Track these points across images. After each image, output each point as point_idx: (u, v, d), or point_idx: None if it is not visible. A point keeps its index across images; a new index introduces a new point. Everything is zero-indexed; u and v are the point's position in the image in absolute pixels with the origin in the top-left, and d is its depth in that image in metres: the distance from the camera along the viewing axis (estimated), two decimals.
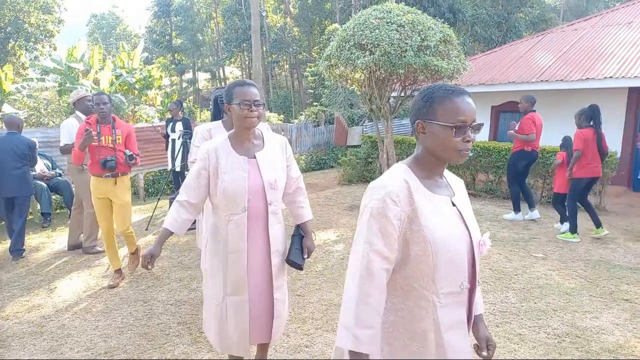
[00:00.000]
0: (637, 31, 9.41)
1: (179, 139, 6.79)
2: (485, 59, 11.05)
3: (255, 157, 2.18)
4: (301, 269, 2.33)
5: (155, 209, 6.50)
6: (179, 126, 6.91)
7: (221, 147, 2.16)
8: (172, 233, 2.13)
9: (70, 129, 4.63)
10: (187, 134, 6.70)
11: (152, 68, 15.64)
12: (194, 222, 3.66)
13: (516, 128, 6.05)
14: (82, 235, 5.11)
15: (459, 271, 1.33)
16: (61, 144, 4.70)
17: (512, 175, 6.24)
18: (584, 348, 2.88)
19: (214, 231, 2.23)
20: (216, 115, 3.05)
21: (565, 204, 5.50)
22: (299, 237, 2.39)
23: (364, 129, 14.10)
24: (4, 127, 5.18)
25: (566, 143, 5.71)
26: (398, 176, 1.35)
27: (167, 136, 7.08)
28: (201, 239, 3.43)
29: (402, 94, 6.91)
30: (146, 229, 5.93)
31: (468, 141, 1.30)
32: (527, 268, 4.33)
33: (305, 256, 2.37)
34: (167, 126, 7.10)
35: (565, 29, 11.31)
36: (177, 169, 6.85)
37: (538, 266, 4.39)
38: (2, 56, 23.34)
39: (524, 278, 4.07)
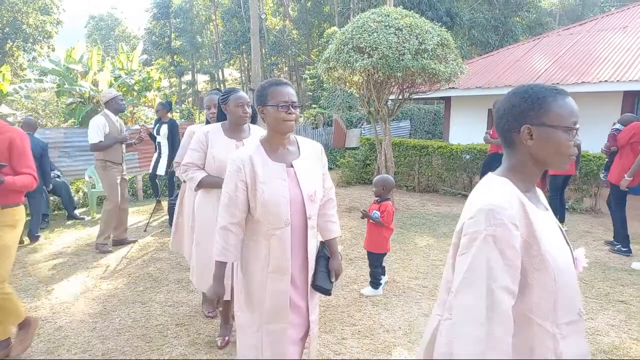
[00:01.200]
0: (631, 36, 9.49)
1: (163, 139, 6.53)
2: (482, 62, 11.12)
3: (292, 166, 1.97)
4: (329, 294, 2.05)
5: (153, 210, 6.51)
6: (164, 129, 6.57)
7: (255, 154, 1.94)
8: (226, 264, 1.96)
9: (98, 128, 4.85)
10: (170, 137, 6.44)
11: (151, 70, 15.64)
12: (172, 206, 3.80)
13: (491, 133, 6.46)
14: (123, 231, 5.31)
15: (576, 296, 1.19)
16: (91, 141, 4.86)
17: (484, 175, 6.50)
18: None
19: (251, 248, 1.99)
20: (219, 117, 3.02)
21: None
22: (325, 258, 2.09)
23: (362, 132, 14.13)
24: (23, 127, 5.69)
25: None
26: (511, 194, 1.17)
27: (153, 137, 6.74)
28: (183, 243, 3.39)
29: (400, 97, 6.95)
30: (144, 231, 5.93)
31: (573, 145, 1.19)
32: None
33: (333, 280, 2.09)
34: (154, 127, 6.79)
35: (561, 33, 11.39)
36: (163, 172, 6.63)
37: None
38: (0, 57, 23.31)
39: None
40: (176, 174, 3.15)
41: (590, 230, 5.59)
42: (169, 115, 6.86)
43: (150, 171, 6.89)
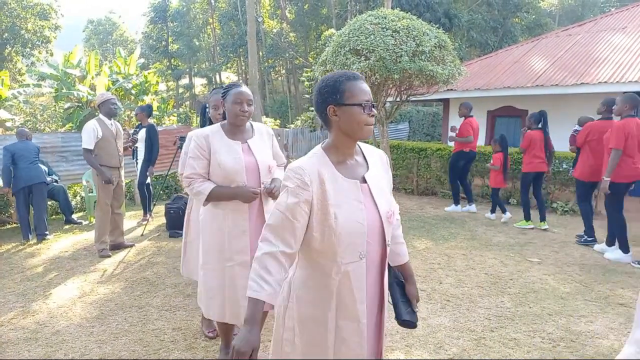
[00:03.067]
0: (631, 36, 9.50)
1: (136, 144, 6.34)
2: (481, 63, 11.12)
3: (366, 181, 1.56)
4: (415, 326, 1.72)
5: (150, 214, 6.49)
6: (142, 133, 6.35)
7: (323, 167, 1.51)
8: (263, 303, 1.45)
9: (89, 133, 4.83)
10: (148, 142, 6.28)
11: (149, 73, 15.64)
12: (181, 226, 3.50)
13: (456, 132, 6.90)
14: (119, 235, 5.31)
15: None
16: (84, 146, 4.85)
17: (453, 173, 7.08)
18: (578, 352, 2.89)
19: (310, 290, 1.54)
20: (225, 116, 2.77)
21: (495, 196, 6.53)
22: (399, 285, 1.75)
23: None
24: (17, 137, 6.01)
25: (504, 142, 6.44)
26: None
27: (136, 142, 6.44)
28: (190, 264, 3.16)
29: (398, 99, 6.95)
30: (141, 235, 5.91)
31: None
32: (522, 272, 4.34)
33: (416, 309, 1.74)
34: (135, 133, 6.50)
35: (560, 34, 11.40)
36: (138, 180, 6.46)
37: (533, 271, 4.40)
38: None
39: (519, 282, 4.08)
40: (184, 188, 2.81)
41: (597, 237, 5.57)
42: (150, 119, 6.66)
43: (138, 180, 6.69)
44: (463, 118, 6.90)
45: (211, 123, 2.89)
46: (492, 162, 6.50)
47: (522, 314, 3.43)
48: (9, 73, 14.93)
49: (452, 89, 8.97)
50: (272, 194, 2.46)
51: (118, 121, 6.40)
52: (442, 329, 3.20)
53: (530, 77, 9.06)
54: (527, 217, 6.04)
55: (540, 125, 5.91)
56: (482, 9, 23.17)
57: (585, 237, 5.31)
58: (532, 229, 5.98)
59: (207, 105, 3.73)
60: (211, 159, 2.43)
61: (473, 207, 7.01)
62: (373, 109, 1.53)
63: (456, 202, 7.12)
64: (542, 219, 5.95)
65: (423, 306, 3.60)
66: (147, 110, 6.66)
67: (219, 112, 2.89)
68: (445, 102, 10.92)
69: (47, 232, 5.77)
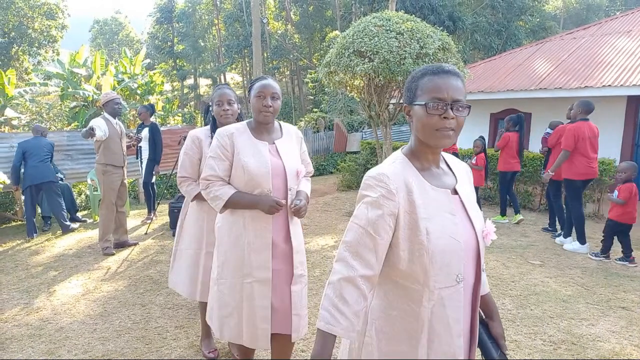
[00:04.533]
0: (635, 40, 9.48)
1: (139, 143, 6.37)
2: (485, 66, 11.12)
3: (457, 193, 1.36)
4: None
5: (155, 213, 6.52)
6: (145, 132, 6.41)
7: (410, 175, 1.29)
8: (335, 338, 1.22)
9: (100, 124, 4.86)
10: (152, 142, 6.31)
11: (154, 74, 15.76)
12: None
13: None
14: (123, 233, 5.35)
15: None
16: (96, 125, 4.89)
17: None
18: (579, 355, 2.89)
19: (395, 321, 1.30)
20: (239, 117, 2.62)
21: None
22: (482, 323, 1.47)
23: (364, 136, 14.15)
24: (32, 133, 6.17)
25: (485, 143, 6.77)
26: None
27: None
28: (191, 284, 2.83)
29: (401, 101, 6.96)
30: (145, 233, 5.95)
31: None
32: (524, 275, 4.35)
33: (506, 351, 1.46)
34: (137, 132, 6.59)
35: (564, 38, 11.39)
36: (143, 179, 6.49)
37: (535, 273, 4.40)
38: (5, 61, 23.50)
39: (521, 285, 4.09)
40: (182, 190, 2.76)
41: (591, 236, 5.56)
42: (152, 118, 6.68)
43: (143, 179, 6.70)
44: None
45: (214, 122, 2.75)
46: (475, 162, 6.71)
47: (524, 316, 3.44)
48: (16, 72, 15.05)
49: None
50: (298, 212, 2.19)
51: (123, 121, 6.43)
52: None
53: (534, 80, 9.05)
54: (503, 213, 6.56)
55: (517, 128, 6.32)
56: (487, 11, 23.14)
57: (554, 232, 5.80)
58: (507, 222, 6.47)
59: (210, 105, 3.75)
60: (234, 160, 2.17)
61: None
62: (449, 110, 1.23)
63: None
64: (517, 211, 6.45)
65: None
66: (150, 109, 6.68)
67: (224, 109, 2.67)
68: None
69: (69, 223, 6.02)
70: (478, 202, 6.65)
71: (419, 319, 1.25)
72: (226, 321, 2.25)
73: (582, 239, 5.10)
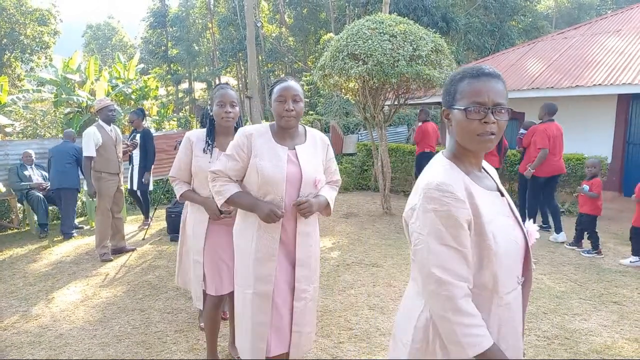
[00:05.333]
0: (625, 39, 9.59)
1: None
2: None
3: (504, 195, 1.37)
4: None
5: (152, 218, 6.54)
6: (137, 139, 6.29)
7: (464, 179, 1.26)
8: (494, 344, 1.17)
9: (89, 139, 4.85)
10: (143, 147, 6.19)
11: (148, 78, 15.77)
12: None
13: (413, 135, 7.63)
14: (120, 239, 5.35)
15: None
16: (85, 154, 4.88)
17: (418, 171, 7.39)
18: (572, 349, 2.95)
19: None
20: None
21: None
22: None
23: (360, 137, 14.20)
24: (63, 137, 6.52)
25: None
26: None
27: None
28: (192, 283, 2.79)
29: (396, 103, 7.02)
30: (143, 239, 5.97)
31: None
32: None
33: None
34: (130, 138, 6.47)
35: (555, 37, 11.50)
36: (135, 187, 6.45)
37: None
38: None
39: None
40: (176, 190, 2.73)
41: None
42: (144, 124, 6.63)
43: (128, 187, 6.63)
44: (421, 122, 7.68)
45: (212, 124, 2.63)
46: None
47: None
48: (8, 79, 15.00)
49: None
50: (301, 209, 2.04)
51: (118, 126, 6.45)
52: None
53: (527, 80, 9.15)
54: None
55: None
56: (479, 12, 23.29)
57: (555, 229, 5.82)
58: None
59: (208, 109, 3.73)
60: (250, 162, 2.07)
61: None
62: (490, 115, 1.20)
63: None
64: None
65: None
66: (141, 114, 6.63)
67: (226, 110, 2.54)
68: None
69: (73, 232, 6.14)
70: None
71: (488, 326, 1.19)
72: (237, 330, 2.24)
73: (558, 229, 5.60)
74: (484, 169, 1.38)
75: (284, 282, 2.11)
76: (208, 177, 2.17)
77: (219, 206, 2.19)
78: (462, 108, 1.22)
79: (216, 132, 2.65)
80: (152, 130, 11.75)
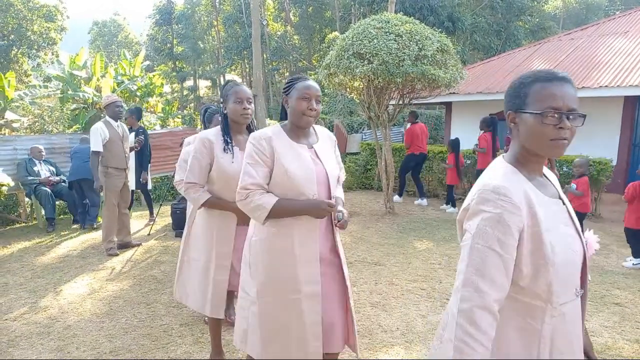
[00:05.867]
0: (632, 40, 9.57)
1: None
2: (484, 67, 11.22)
3: (565, 204, 1.33)
4: None
5: (157, 214, 6.60)
6: (131, 138, 6.01)
7: (525, 185, 1.23)
8: None
9: (97, 135, 4.89)
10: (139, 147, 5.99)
11: (154, 75, 15.82)
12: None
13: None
14: (126, 234, 5.41)
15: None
16: (93, 148, 4.91)
17: (403, 170, 7.98)
18: None
19: (518, 341, 1.21)
20: (283, 116, 2.19)
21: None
22: None
23: (363, 137, 14.23)
24: (80, 141, 6.86)
25: (454, 144, 7.23)
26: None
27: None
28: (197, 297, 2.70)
29: (400, 102, 7.05)
30: (148, 234, 6.04)
31: None
32: None
33: None
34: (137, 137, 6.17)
35: (562, 38, 11.48)
36: (133, 187, 6.28)
37: None
38: (5, 64, 23.59)
39: None
40: (188, 197, 2.57)
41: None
42: (139, 123, 6.53)
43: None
44: (409, 124, 7.91)
45: (226, 121, 2.52)
46: (447, 162, 7.32)
47: None
48: (15, 74, 15.10)
49: (454, 93, 9.07)
50: (343, 227, 2.03)
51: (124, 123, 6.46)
52: None
53: None
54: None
55: (490, 129, 6.84)
56: (486, 12, 23.24)
57: None
58: None
59: (209, 107, 3.61)
60: (275, 166, 1.97)
61: (425, 202, 7.86)
62: (565, 120, 1.17)
63: (400, 194, 8.10)
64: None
65: (423, 304, 3.70)
66: (137, 113, 6.46)
67: (244, 107, 2.46)
68: (448, 105, 11.02)
69: (95, 223, 6.39)
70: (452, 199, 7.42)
71: (540, 337, 1.17)
72: (271, 343, 2.03)
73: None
74: (545, 174, 1.34)
75: (328, 282, 2.06)
76: (238, 197, 2.00)
77: (261, 222, 1.99)
78: (537, 112, 1.18)
79: (231, 130, 2.53)
80: (157, 127, 11.85)
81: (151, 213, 6.79)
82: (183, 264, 2.85)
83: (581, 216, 5.18)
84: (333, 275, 2.08)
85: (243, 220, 2.41)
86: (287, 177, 1.94)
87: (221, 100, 2.53)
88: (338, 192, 2.20)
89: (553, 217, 1.21)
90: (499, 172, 1.25)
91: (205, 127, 3.56)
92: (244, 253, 2.16)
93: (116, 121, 5.10)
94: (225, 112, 2.51)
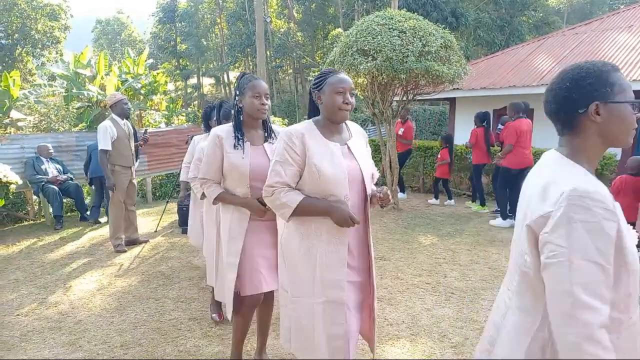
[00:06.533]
0: (637, 35, 9.54)
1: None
2: (487, 63, 11.20)
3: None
4: None
5: (164, 211, 6.66)
6: (147, 134, 5.96)
7: (606, 191, 1.14)
8: None
9: (105, 133, 4.91)
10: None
11: (157, 73, 15.87)
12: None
13: (400, 133, 7.81)
14: (133, 231, 5.44)
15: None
16: (101, 147, 4.92)
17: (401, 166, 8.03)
18: None
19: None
20: (312, 113, 2.12)
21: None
22: None
23: (368, 133, 14.23)
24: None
25: (448, 139, 7.50)
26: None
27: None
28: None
29: (404, 98, 7.07)
30: (155, 231, 6.10)
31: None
32: None
33: None
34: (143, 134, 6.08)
35: (566, 33, 11.45)
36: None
37: None
38: (9, 62, 23.72)
39: None
40: (198, 192, 2.54)
41: None
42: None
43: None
44: (404, 121, 7.98)
45: (239, 116, 2.40)
46: (439, 157, 7.49)
47: None
48: (20, 73, 15.20)
49: (458, 88, 9.07)
50: (388, 199, 1.99)
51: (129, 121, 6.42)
52: (446, 319, 3.34)
53: (536, 76, 9.13)
54: (483, 203, 7.11)
55: (484, 124, 6.90)
56: (489, 7, 23.16)
57: (498, 215, 6.34)
58: (487, 212, 6.92)
59: (214, 107, 3.50)
60: (306, 164, 1.90)
61: (405, 195, 8.12)
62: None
63: (402, 190, 8.10)
64: (482, 203, 7.09)
65: (428, 298, 3.74)
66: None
67: (262, 102, 2.36)
68: (452, 101, 11.01)
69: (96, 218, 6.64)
70: (436, 193, 7.73)
71: (616, 348, 1.09)
72: (304, 349, 2.00)
73: (504, 215, 6.12)
74: None
75: (355, 286, 2.01)
76: (265, 194, 1.97)
77: (285, 220, 1.96)
78: (630, 102, 1.15)
79: (244, 126, 2.41)
80: (162, 125, 11.91)
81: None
82: (220, 263, 2.70)
83: None
84: (361, 279, 2.02)
85: (258, 214, 2.35)
86: (318, 177, 1.88)
87: (236, 93, 2.41)
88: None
89: (622, 219, 1.13)
90: (575, 173, 1.15)
91: (208, 129, 3.61)
92: (278, 250, 2.11)
93: (123, 119, 5.14)
94: (240, 106, 2.39)
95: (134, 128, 5.40)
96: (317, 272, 1.92)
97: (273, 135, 2.49)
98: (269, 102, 2.40)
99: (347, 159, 1.97)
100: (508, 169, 5.97)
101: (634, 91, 1.25)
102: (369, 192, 2.00)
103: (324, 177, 1.87)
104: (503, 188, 6.12)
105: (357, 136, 2.10)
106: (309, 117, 2.08)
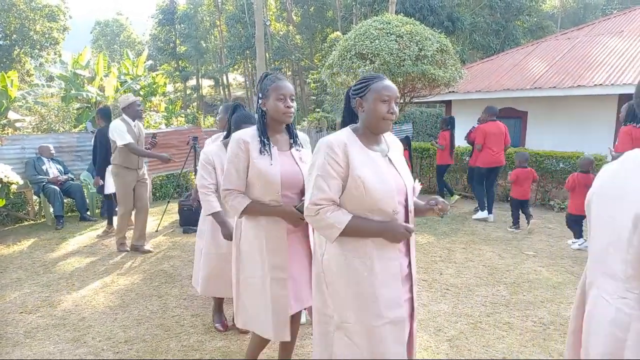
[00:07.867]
0: (627, 40, 9.71)
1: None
2: (483, 66, 11.35)
3: None
4: None
5: (165, 211, 6.74)
6: (155, 138, 5.79)
7: None
8: None
9: (121, 128, 4.93)
10: (94, 148, 5.86)
11: (157, 75, 15.97)
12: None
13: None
14: (137, 236, 5.33)
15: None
16: (120, 144, 4.90)
17: None
18: (566, 334, 3.11)
19: None
20: (347, 119, 1.98)
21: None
22: None
23: None
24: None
25: (451, 121, 7.54)
26: None
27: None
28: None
29: (402, 101, 7.19)
30: (156, 230, 6.18)
31: None
32: (518, 264, 4.59)
33: None
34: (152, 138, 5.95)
35: (559, 38, 11.62)
36: (112, 190, 5.58)
37: (529, 263, 4.64)
38: (7, 63, 23.72)
39: (514, 273, 4.33)
40: (227, 205, 2.27)
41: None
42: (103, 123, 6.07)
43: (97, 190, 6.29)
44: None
45: (263, 119, 2.22)
46: (438, 140, 7.62)
47: (516, 301, 3.67)
48: (18, 74, 15.23)
49: (454, 91, 9.20)
50: (445, 209, 1.87)
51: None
52: (442, 314, 3.45)
53: (530, 80, 9.28)
54: (451, 193, 7.75)
55: (449, 127, 7.36)
56: (485, 12, 23.36)
57: (478, 209, 6.71)
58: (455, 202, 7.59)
59: (240, 105, 2.91)
60: (349, 177, 1.74)
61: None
62: None
63: None
64: (451, 193, 7.74)
65: (424, 294, 3.84)
66: (104, 113, 5.99)
67: (287, 105, 2.17)
68: (448, 103, 11.15)
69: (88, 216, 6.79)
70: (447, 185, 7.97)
71: None
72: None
73: (482, 207, 6.58)
74: None
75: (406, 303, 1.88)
76: (307, 212, 1.79)
77: (331, 241, 1.78)
78: None
79: (268, 129, 2.23)
80: (162, 126, 11.99)
81: (109, 223, 6.18)
82: (239, 286, 2.37)
83: (522, 202, 5.97)
84: (408, 297, 1.89)
85: (295, 224, 2.19)
86: (364, 190, 1.72)
87: (259, 95, 2.23)
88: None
89: None
90: None
91: (228, 133, 2.95)
92: (315, 272, 1.92)
93: (134, 120, 5.11)
94: (264, 109, 2.20)
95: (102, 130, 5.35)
96: (371, 292, 1.75)
97: (298, 141, 2.33)
98: (294, 104, 2.21)
99: (391, 172, 1.83)
100: (479, 167, 6.51)
101: (623, 95, 1.34)
102: (410, 207, 1.87)
103: (370, 191, 1.72)
104: (479, 184, 6.62)
105: (394, 147, 1.97)
106: (343, 125, 1.93)
